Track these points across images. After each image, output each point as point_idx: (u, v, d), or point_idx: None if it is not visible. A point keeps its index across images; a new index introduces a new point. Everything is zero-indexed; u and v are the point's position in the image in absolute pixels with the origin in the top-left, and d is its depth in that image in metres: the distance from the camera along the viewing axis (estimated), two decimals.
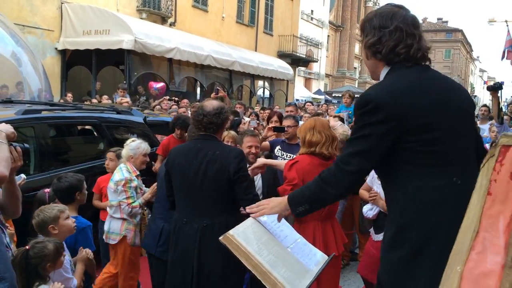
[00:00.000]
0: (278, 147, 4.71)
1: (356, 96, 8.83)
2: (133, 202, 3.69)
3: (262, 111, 9.78)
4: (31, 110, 4.33)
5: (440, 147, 1.65)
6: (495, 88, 6.20)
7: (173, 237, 2.91)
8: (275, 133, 5.10)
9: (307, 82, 31.80)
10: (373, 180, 3.60)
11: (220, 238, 1.86)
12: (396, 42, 1.75)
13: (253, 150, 3.77)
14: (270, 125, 5.21)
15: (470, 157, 1.73)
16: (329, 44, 35.64)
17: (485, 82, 64.37)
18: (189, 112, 7.53)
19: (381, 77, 1.85)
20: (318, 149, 3.07)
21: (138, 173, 3.86)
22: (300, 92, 26.80)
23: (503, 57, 18.56)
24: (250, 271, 1.82)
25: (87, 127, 5.87)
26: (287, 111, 7.03)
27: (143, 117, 5.74)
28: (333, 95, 29.86)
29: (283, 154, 4.60)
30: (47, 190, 3.31)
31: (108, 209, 3.83)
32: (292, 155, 4.30)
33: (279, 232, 2.10)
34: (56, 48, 12.89)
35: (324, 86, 34.54)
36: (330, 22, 34.66)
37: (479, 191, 1.05)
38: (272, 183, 3.75)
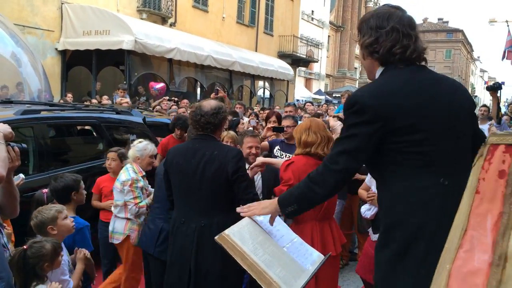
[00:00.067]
0: (277, 147, 4.71)
1: None
2: (140, 202, 3.70)
3: (261, 112, 9.79)
4: (30, 110, 4.33)
5: (427, 148, 1.65)
6: (494, 88, 6.22)
7: (171, 237, 2.92)
8: (274, 133, 5.10)
9: (308, 82, 31.82)
10: (371, 180, 3.60)
11: (216, 237, 1.87)
12: (393, 42, 1.76)
13: (253, 150, 3.77)
14: (269, 125, 5.21)
15: (462, 158, 1.72)
16: (330, 45, 35.67)
17: (485, 82, 64.36)
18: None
19: (376, 77, 1.86)
20: (314, 150, 3.08)
21: (144, 173, 3.87)
22: (300, 93, 26.82)
23: (503, 57, 18.60)
24: (245, 271, 1.82)
25: (86, 127, 5.87)
26: (286, 111, 7.03)
27: (143, 118, 5.75)
28: (334, 95, 29.86)
29: (282, 154, 4.60)
30: (45, 190, 3.31)
31: (113, 208, 3.85)
32: (291, 155, 4.30)
33: (275, 231, 2.10)
34: (56, 49, 12.90)
35: (325, 86, 34.56)
36: (330, 23, 34.69)
37: (469, 190, 1.06)
38: (273, 184, 3.74)
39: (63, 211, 2.82)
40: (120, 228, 3.75)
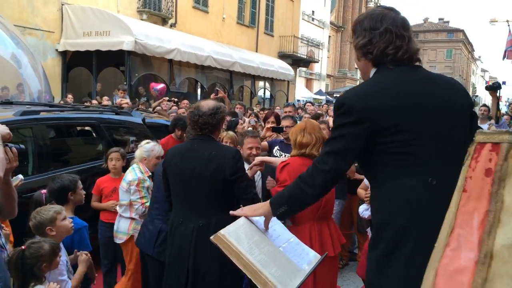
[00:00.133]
0: (276, 147, 4.72)
1: None
2: (146, 202, 3.71)
3: (261, 112, 9.80)
4: (30, 111, 4.34)
5: (415, 148, 1.66)
6: (493, 88, 6.21)
7: (169, 237, 2.92)
8: (274, 133, 5.11)
9: (308, 82, 31.83)
10: None
11: (211, 237, 1.87)
12: (386, 43, 1.77)
13: (253, 151, 3.78)
14: (268, 125, 5.22)
15: (455, 157, 1.72)
16: (330, 45, 35.69)
17: (487, 82, 64.25)
18: None
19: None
20: (309, 151, 3.09)
21: (150, 174, 3.89)
22: (301, 93, 26.82)
23: (504, 57, 18.60)
24: (241, 271, 1.83)
25: (86, 128, 5.89)
26: (285, 112, 7.04)
27: (142, 118, 5.76)
28: (335, 95, 29.84)
29: (282, 154, 4.61)
30: (43, 191, 3.32)
31: (118, 208, 3.87)
32: None
33: (272, 231, 2.10)
34: (56, 50, 12.92)
35: (325, 86, 34.57)
36: (331, 23, 34.70)
37: (457, 188, 1.07)
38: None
39: (62, 212, 2.82)
40: (124, 228, 3.78)
